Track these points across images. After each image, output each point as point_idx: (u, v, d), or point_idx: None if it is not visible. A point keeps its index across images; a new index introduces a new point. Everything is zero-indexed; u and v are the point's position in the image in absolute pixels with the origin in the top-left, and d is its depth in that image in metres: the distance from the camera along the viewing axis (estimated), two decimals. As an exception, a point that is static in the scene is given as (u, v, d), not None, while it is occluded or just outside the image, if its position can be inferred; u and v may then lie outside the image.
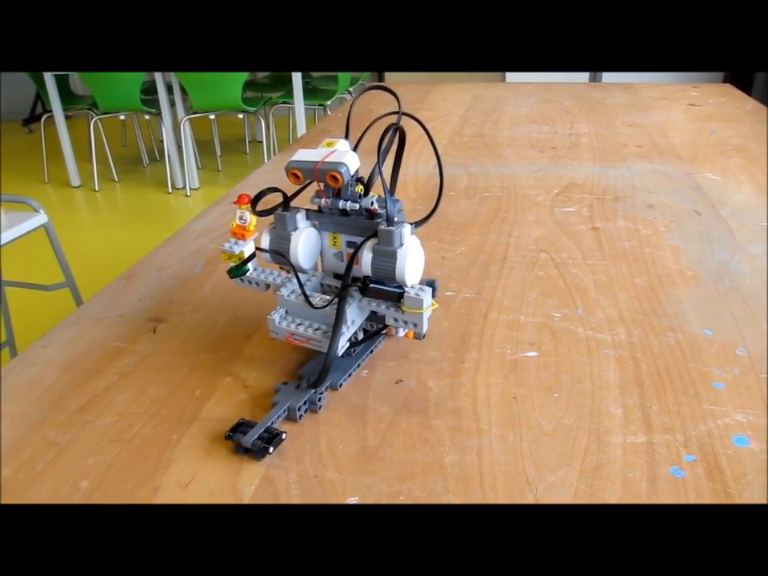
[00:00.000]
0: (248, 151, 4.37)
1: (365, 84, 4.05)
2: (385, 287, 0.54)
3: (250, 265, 0.60)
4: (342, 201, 0.55)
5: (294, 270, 0.56)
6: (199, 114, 3.53)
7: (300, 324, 0.56)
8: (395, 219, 0.53)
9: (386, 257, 0.52)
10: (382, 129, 0.54)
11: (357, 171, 0.54)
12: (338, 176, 0.53)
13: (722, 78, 3.67)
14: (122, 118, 3.81)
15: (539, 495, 0.46)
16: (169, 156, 3.67)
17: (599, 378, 0.58)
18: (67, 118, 3.79)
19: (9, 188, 3.68)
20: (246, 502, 0.47)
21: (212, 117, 3.62)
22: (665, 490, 0.46)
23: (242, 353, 0.64)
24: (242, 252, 0.59)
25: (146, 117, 3.83)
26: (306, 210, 0.59)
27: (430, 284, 0.55)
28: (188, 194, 3.63)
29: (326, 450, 0.51)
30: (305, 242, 0.58)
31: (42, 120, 4.00)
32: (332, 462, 0.50)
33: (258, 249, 0.59)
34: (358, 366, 0.60)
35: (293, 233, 0.57)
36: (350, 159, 0.53)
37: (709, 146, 1.24)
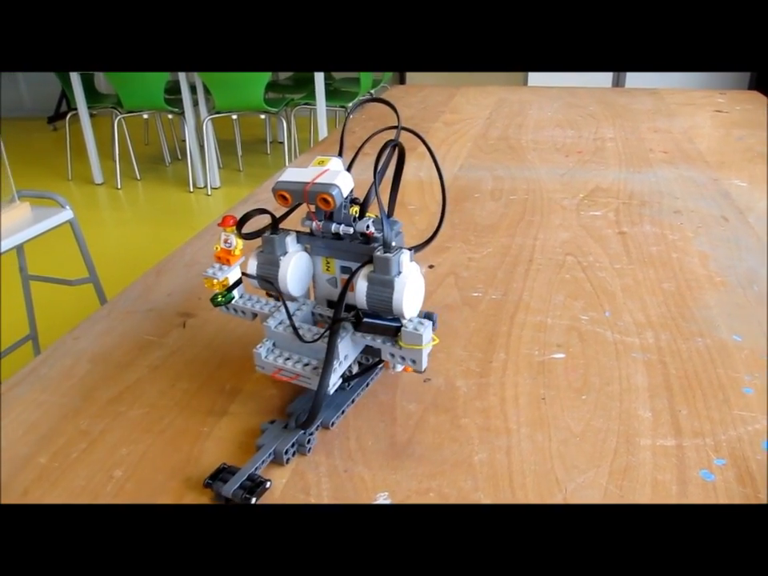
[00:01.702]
0: (269, 152, 4.40)
1: (386, 86, 4.06)
2: (380, 321, 0.49)
3: (235, 292, 0.56)
4: (334, 224, 0.51)
5: (283, 298, 0.53)
6: (222, 114, 3.56)
7: (288, 358, 0.52)
8: (393, 244, 0.49)
9: (383, 286, 0.48)
10: (381, 144, 0.50)
11: (351, 192, 0.51)
12: (330, 199, 0.48)
13: (747, 85, 3.64)
14: (145, 116, 3.85)
15: (569, 495, 0.46)
16: (191, 155, 3.71)
17: (627, 381, 0.58)
18: (92, 116, 3.83)
19: (33, 184, 3.72)
20: (276, 495, 0.47)
21: (234, 117, 3.65)
22: (695, 494, 0.46)
23: (270, 348, 0.64)
24: (226, 279, 0.55)
25: (169, 116, 3.87)
26: (297, 232, 0.55)
27: (428, 317, 0.50)
28: (209, 194, 3.66)
29: (356, 446, 0.51)
30: (294, 267, 0.53)
31: (67, 118, 4.04)
32: (361, 458, 0.50)
33: (244, 274, 0.55)
34: (353, 401, 0.56)
35: (282, 258, 0.53)
36: (342, 180, 0.49)
37: (736, 152, 1.23)
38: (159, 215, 3.38)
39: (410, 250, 0.50)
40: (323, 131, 3.51)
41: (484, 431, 0.53)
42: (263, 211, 0.54)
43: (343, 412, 0.55)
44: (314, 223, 0.52)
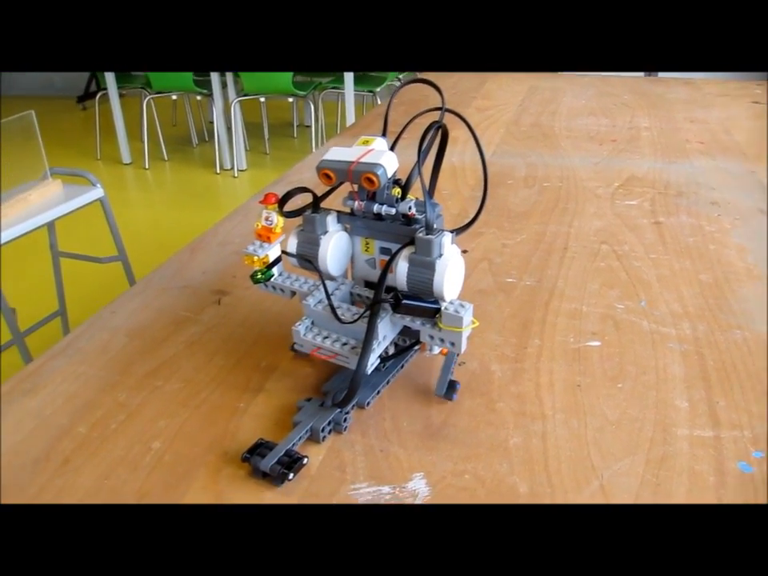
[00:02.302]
0: (295, 135, 4.40)
1: (415, 73, 4.03)
2: (419, 303, 0.49)
3: (275, 269, 0.56)
4: (377, 204, 0.51)
5: (322, 278, 0.53)
6: (249, 97, 3.57)
7: (327, 337, 0.52)
8: (434, 226, 0.49)
9: (424, 267, 0.48)
10: (424, 125, 0.49)
11: (394, 173, 0.50)
12: (374, 178, 0.48)
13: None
14: (173, 98, 3.86)
15: (605, 482, 0.46)
16: (218, 137, 3.71)
17: (664, 371, 0.58)
18: (121, 96, 3.85)
19: (62, 163, 3.74)
20: (312, 471, 0.47)
21: (262, 100, 3.65)
22: (732, 485, 0.46)
23: (305, 328, 0.64)
24: (266, 256, 0.55)
25: (198, 97, 3.87)
26: (338, 212, 0.54)
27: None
28: (235, 176, 3.67)
29: (391, 426, 0.52)
30: (335, 247, 0.53)
31: (97, 98, 4.07)
32: (397, 438, 0.50)
33: (284, 252, 0.56)
34: (388, 382, 0.56)
35: (322, 237, 0.53)
36: (387, 160, 0.49)
37: (774, 144, 1.21)
38: (186, 196, 3.40)
39: (451, 232, 0.49)
40: (351, 116, 3.50)
41: (519, 416, 0.53)
42: (305, 190, 0.53)
43: (378, 392, 0.55)
44: (356, 203, 0.52)
